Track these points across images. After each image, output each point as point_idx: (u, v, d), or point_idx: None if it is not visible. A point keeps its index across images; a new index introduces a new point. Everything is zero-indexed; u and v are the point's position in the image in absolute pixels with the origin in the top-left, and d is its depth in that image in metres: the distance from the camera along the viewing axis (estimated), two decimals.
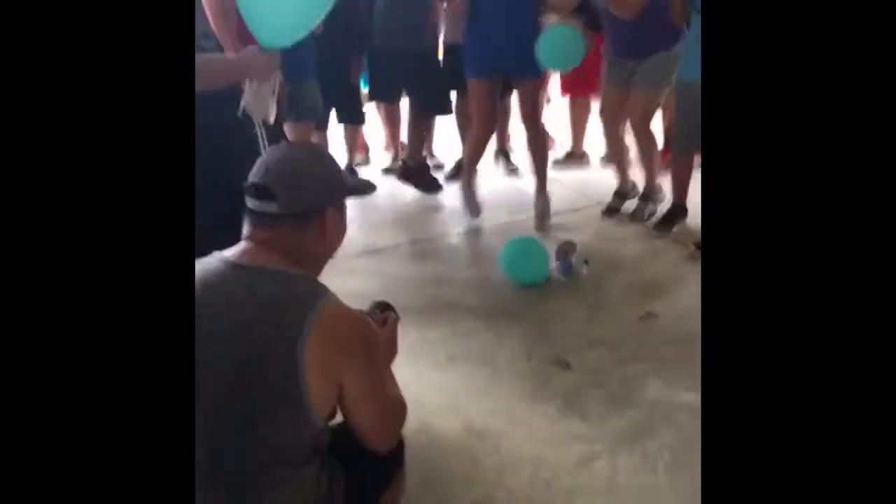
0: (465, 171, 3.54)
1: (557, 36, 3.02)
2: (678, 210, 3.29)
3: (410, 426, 2.06)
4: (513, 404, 2.17)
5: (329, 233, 1.26)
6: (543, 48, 2.98)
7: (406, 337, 2.56)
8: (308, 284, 1.19)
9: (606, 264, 3.05)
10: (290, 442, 1.13)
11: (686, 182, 3.27)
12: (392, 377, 1.40)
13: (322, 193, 1.25)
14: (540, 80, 3.40)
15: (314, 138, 3.56)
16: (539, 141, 3.40)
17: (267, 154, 1.27)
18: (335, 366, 1.13)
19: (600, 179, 4.03)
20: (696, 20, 2.95)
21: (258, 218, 1.22)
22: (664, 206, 3.44)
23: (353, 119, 4.04)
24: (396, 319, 1.44)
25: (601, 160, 4.31)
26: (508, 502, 1.78)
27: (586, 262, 2.97)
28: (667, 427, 2.04)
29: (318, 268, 1.29)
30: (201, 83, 1.82)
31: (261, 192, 1.21)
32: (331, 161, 1.34)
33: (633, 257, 3.16)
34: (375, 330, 1.28)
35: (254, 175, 1.23)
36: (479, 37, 3.17)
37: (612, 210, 3.53)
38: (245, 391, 1.08)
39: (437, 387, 2.26)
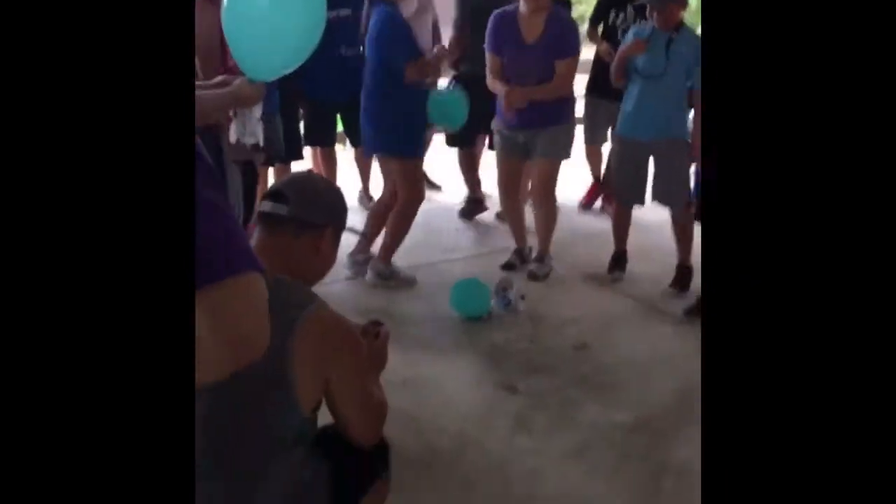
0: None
1: (443, 101, 3.31)
2: (621, 256, 3.57)
3: None
4: (467, 425, 2.33)
5: (323, 252, 1.41)
6: (431, 108, 3.24)
7: None
8: (302, 291, 1.33)
9: (542, 301, 3.29)
10: (276, 426, 1.28)
11: (625, 232, 3.55)
12: (378, 382, 1.54)
13: (328, 212, 1.44)
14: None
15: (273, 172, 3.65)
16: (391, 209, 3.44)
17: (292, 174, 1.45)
18: (322, 363, 1.28)
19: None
20: (636, 83, 3.28)
21: (266, 220, 1.38)
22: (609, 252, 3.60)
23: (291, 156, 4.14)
24: (388, 333, 1.58)
25: (496, 216, 4.32)
26: None
27: (523, 297, 3.20)
28: (605, 444, 2.26)
29: (308, 282, 1.42)
30: (198, 119, 1.93)
31: (277, 195, 1.39)
32: (340, 193, 1.53)
33: (566, 296, 3.41)
34: (359, 337, 1.42)
35: (276, 184, 1.39)
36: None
37: (509, 265, 3.62)
38: (238, 378, 1.21)
39: (393, 407, 2.38)
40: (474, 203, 4.40)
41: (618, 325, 3.11)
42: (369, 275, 3.42)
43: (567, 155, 3.54)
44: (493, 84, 3.40)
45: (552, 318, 3.16)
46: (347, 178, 4.38)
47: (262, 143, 2.01)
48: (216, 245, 0.72)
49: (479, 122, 3.68)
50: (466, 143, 4.25)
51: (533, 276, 3.53)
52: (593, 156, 4.42)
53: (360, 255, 3.48)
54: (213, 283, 0.70)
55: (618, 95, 3.47)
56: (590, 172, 4.51)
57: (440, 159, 4.74)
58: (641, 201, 3.46)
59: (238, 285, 0.73)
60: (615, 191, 3.58)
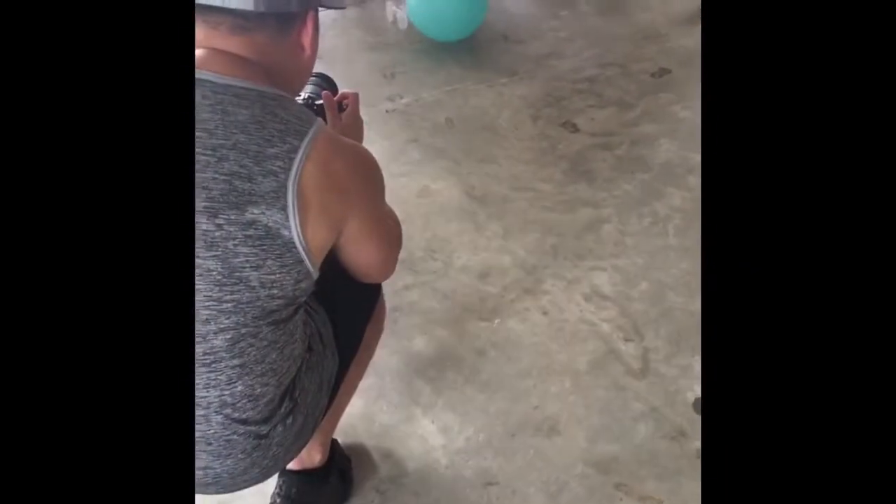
0: None
1: None
2: None
3: (411, 189, 1.97)
4: (516, 169, 2.05)
5: (311, 44, 0.98)
6: None
7: (402, 98, 2.38)
8: (295, 107, 0.92)
9: (609, 6, 2.77)
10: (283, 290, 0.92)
11: None
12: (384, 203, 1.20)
13: None
14: None
15: None
16: None
17: None
18: (336, 208, 0.92)
19: None
20: None
21: (220, 17, 0.89)
22: None
23: None
24: (356, 95, 1.20)
25: None
26: (514, 266, 1.73)
27: None
28: (678, 189, 1.95)
29: (294, 90, 1.03)
30: None
31: None
32: None
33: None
34: (372, 158, 1.01)
35: None
36: None
37: None
38: (226, 239, 0.86)
39: (435, 151, 2.12)
40: None
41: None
42: None
43: None
44: None
45: (625, 34, 2.66)
46: None
47: None
48: None
49: None
50: None
51: None
52: None
53: None
54: None
55: None
56: None
57: None
58: None
59: None
60: None
